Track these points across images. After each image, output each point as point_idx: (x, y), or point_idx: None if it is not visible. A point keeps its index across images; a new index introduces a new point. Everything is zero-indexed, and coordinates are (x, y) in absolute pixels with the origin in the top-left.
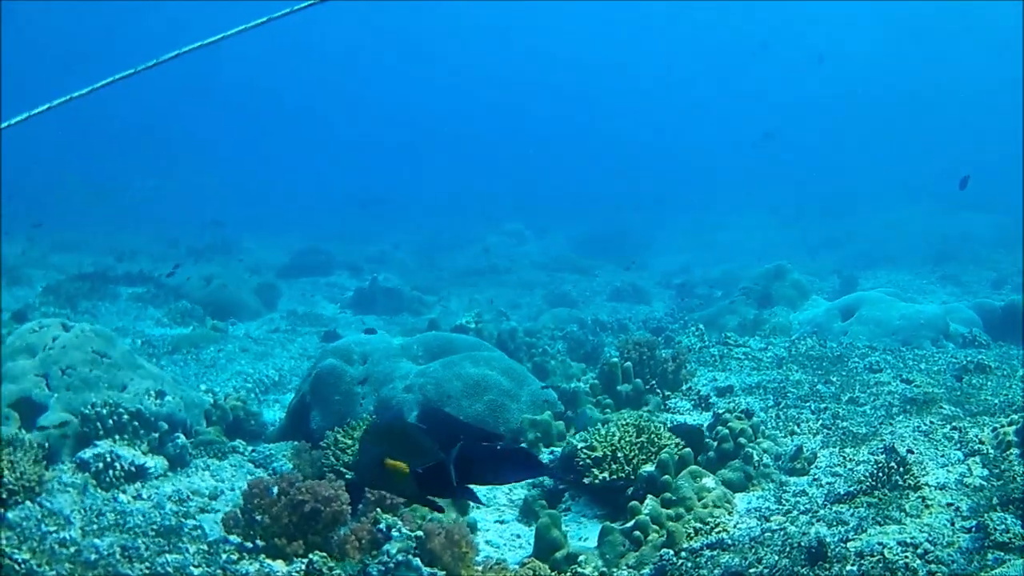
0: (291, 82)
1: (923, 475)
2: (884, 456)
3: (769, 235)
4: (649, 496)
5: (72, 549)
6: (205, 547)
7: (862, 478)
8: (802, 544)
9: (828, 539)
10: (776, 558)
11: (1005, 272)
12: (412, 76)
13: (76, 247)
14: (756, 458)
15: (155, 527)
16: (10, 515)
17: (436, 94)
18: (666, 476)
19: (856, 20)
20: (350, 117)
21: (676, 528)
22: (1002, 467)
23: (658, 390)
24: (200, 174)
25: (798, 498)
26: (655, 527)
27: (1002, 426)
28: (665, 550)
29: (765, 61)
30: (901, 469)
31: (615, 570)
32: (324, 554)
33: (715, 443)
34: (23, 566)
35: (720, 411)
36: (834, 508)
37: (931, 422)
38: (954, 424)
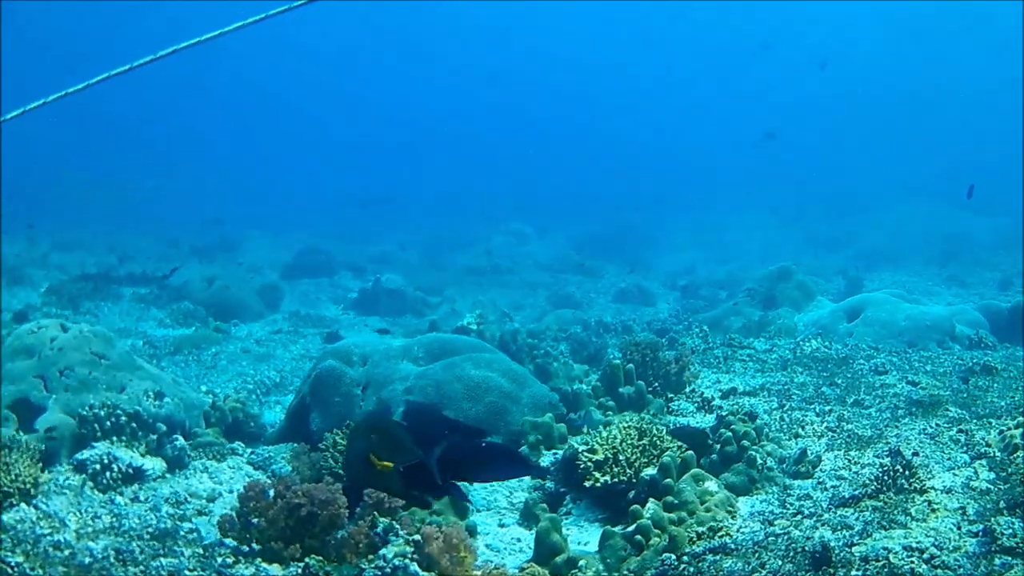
0: (290, 82)
1: (929, 478)
2: (889, 459)
3: (770, 235)
4: (651, 500)
5: (66, 552)
6: (200, 551)
7: (867, 481)
8: (806, 549)
9: (832, 544)
10: (780, 563)
11: (1009, 273)
12: (412, 76)
13: (78, 247)
14: (760, 461)
15: (150, 530)
16: (4, 517)
17: (436, 94)
18: (668, 479)
19: (856, 20)
20: (349, 117)
21: (678, 532)
22: (1009, 470)
23: (661, 392)
24: (200, 174)
25: (802, 502)
26: (657, 531)
27: (1008, 428)
28: (667, 555)
29: (765, 61)
30: (907, 472)
31: (616, 575)
32: (320, 558)
33: (718, 446)
34: (16, 569)
35: (724, 413)
36: (839, 512)
37: (937, 425)
38: (960, 427)
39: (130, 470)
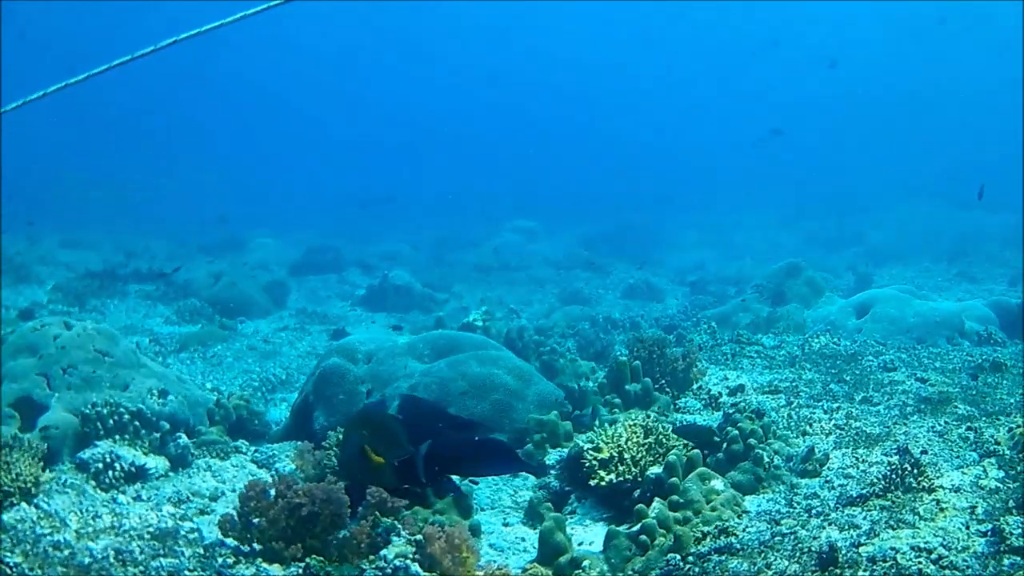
0: (291, 82)
1: (937, 477)
2: (898, 457)
3: (770, 234)
4: (656, 499)
5: (66, 552)
6: (201, 551)
7: (875, 480)
8: (813, 549)
9: (839, 544)
10: (786, 563)
11: (1019, 269)
12: (412, 76)
13: (84, 245)
14: (766, 460)
15: (151, 530)
16: (4, 517)
17: (436, 94)
18: (674, 478)
19: (856, 20)
20: (350, 117)
21: (683, 532)
22: (1018, 468)
23: (668, 389)
24: (200, 174)
25: (809, 501)
26: (662, 531)
27: (1018, 426)
28: (672, 555)
29: (765, 61)
30: (915, 471)
31: (620, 575)
32: (321, 558)
33: (724, 444)
34: (15, 570)
35: (730, 411)
36: (846, 511)
37: (946, 422)
38: (969, 424)
39: (133, 469)
